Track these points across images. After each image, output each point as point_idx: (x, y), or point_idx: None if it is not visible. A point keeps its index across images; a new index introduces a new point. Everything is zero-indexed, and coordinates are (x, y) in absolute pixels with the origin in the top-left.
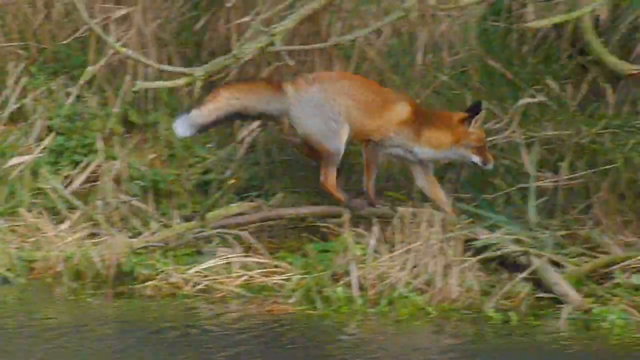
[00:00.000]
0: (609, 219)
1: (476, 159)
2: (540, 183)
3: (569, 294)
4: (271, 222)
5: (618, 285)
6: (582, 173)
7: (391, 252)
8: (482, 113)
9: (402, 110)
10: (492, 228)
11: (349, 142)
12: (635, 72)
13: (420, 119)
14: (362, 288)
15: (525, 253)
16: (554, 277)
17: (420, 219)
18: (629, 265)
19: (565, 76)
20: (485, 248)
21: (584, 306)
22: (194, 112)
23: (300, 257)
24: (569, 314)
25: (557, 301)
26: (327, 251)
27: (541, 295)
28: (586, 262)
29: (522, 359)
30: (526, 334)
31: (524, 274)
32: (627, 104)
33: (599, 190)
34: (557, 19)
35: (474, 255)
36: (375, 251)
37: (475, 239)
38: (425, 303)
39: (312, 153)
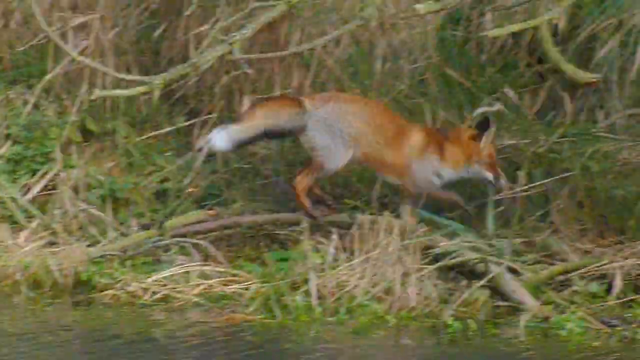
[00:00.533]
0: (566, 226)
1: (489, 175)
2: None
3: (526, 302)
4: (230, 231)
5: (576, 292)
6: (540, 182)
7: (350, 260)
8: (493, 129)
9: (417, 138)
10: (450, 236)
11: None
12: (592, 80)
13: (434, 140)
14: (321, 297)
15: (483, 260)
16: (511, 284)
17: (379, 227)
18: (587, 272)
19: (523, 85)
20: (443, 256)
21: (542, 313)
22: (234, 127)
23: (259, 266)
24: (527, 322)
25: (516, 309)
26: (286, 260)
27: (500, 303)
28: (543, 269)
29: None
30: (485, 342)
31: (482, 282)
32: (584, 112)
33: (557, 199)
34: (515, 27)
35: (432, 263)
36: (334, 260)
37: (434, 247)
38: (384, 311)
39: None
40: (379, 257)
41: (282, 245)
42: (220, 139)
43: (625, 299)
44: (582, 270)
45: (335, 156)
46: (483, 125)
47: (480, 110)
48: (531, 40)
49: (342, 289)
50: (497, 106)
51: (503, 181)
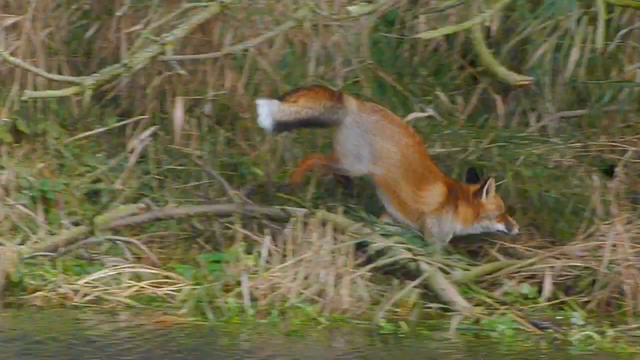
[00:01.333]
0: None
1: (500, 226)
2: None
3: (457, 301)
4: (163, 232)
5: (508, 294)
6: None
7: (283, 262)
8: (491, 181)
9: (438, 192)
10: (383, 236)
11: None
12: (524, 83)
13: (454, 195)
14: (253, 298)
15: (415, 260)
16: (442, 283)
17: (313, 227)
18: (517, 272)
19: (456, 87)
20: (376, 256)
21: (472, 314)
22: (277, 104)
23: (191, 268)
24: (459, 324)
25: (448, 310)
26: (218, 261)
27: (432, 305)
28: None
29: None
30: (416, 344)
31: (415, 282)
32: (516, 115)
33: None
34: (448, 29)
35: (365, 264)
36: (267, 262)
37: (367, 246)
38: (317, 313)
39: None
40: (312, 258)
41: (215, 247)
42: (267, 110)
43: (555, 301)
44: (513, 270)
45: (355, 161)
46: (472, 177)
47: (412, 116)
48: (464, 43)
49: (275, 291)
50: (430, 111)
51: (516, 229)
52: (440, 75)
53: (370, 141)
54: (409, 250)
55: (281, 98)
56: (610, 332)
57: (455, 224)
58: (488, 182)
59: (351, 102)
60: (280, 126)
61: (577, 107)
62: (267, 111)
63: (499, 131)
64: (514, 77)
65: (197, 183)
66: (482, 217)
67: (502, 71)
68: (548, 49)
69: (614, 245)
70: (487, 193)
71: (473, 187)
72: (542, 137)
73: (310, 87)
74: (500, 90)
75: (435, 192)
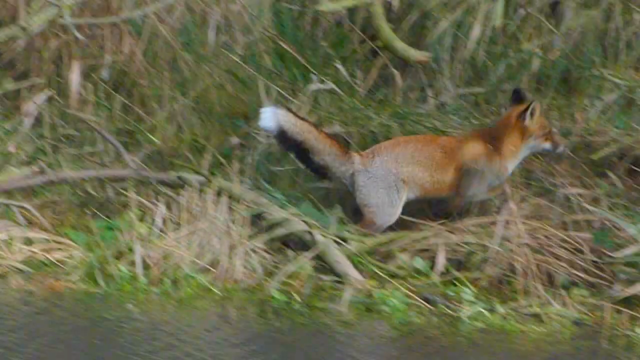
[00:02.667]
0: None
1: (547, 145)
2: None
3: (350, 273)
4: (56, 197)
5: (401, 268)
6: None
7: (177, 230)
8: (536, 105)
9: (473, 148)
10: (279, 207)
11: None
12: (423, 58)
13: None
14: (146, 267)
15: (310, 232)
16: (336, 255)
17: (208, 196)
18: (411, 246)
19: (356, 61)
20: (272, 227)
21: (366, 288)
22: (283, 112)
23: (84, 234)
24: (351, 296)
25: (341, 283)
26: (111, 229)
27: (326, 277)
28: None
29: (303, 341)
30: (309, 316)
31: (309, 254)
32: (415, 91)
33: None
34: (348, 2)
35: (261, 234)
36: (161, 230)
37: (263, 218)
38: (210, 283)
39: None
40: (207, 228)
41: (109, 214)
42: (271, 114)
43: (448, 277)
44: (407, 243)
45: (389, 209)
46: (517, 98)
47: (312, 87)
48: (366, 17)
49: (168, 260)
50: (329, 85)
51: (561, 147)
52: (341, 48)
53: (391, 180)
54: (305, 222)
55: (290, 110)
56: (500, 309)
57: (504, 165)
58: (532, 106)
59: (356, 158)
60: (284, 135)
61: (476, 85)
62: (271, 115)
63: (397, 107)
64: (412, 53)
65: (92, 149)
66: (527, 138)
67: (401, 46)
68: (448, 26)
69: (507, 223)
70: (531, 115)
71: (517, 110)
72: (440, 114)
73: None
74: (399, 65)
75: (469, 155)
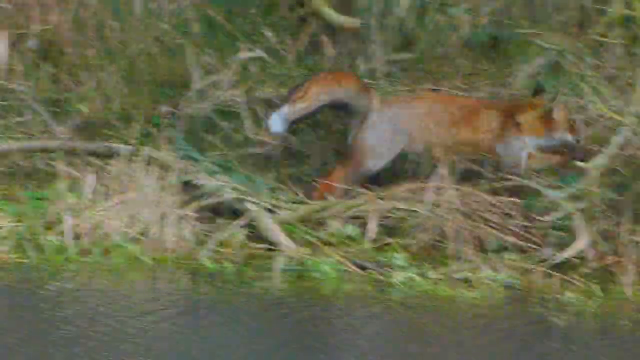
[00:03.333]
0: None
1: (570, 137)
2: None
3: (282, 242)
4: None
5: (333, 235)
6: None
7: (107, 200)
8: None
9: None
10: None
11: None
12: (352, 25)
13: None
14: (76, 237)
15: (241, 200)
16: (267, 222)
17: (138, 165)
18: (344, 213)
19: (285, 28)
20: (202, 196)
21: (298, 255)
22: (287, 109)
23: (13, 204)
24: (283, 264)
25: (273, 250)
26: (41, 199)
27: (258, 245)
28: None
29: (235, 310)
30: (241, 284)
31: (240, 222)
32: (345, 57)
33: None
34: None
35: (192, 203)
36: (91, 200)
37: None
38: (141, 253)
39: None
40: (137, 197)
41: (38, 184)
42: (276, 122)
43: (380, 243)
44: (339, 210)
45: (380, 156)
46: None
47: (241, 55)
48: None
49: (98, 230)
50: (258, 52)
51: (582, 139)
52: (269, 15)
53: (398, 129)
54: (236, 190)
55: (287, 99)
56: (431, 274)
57: (523, 140)
58: (558, 101)
59: (376, 98)
60: (297, 122)
61: (406, 51)
62: (278, 122)
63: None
64: (342, 20)
65: (20, 119)
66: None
67: (330, 13)
68: None
69: (438, 188)
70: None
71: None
72: (370, 80)
73: (329, 73)
74: (328, 32)
75: (487, 120)
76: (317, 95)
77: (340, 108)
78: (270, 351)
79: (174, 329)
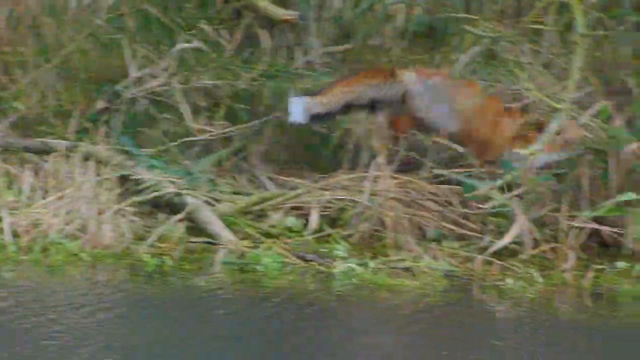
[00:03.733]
0: (267, 164)
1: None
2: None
3: (223, 235)
4: None
5: (273, 226)
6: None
7: (45, 197)
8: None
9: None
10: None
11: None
12: (289, 17)
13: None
14: (15, 235)
15: (179, 194)
16: (207, 216)
17: (74, 161)
18: (284, 204)
19: (221, 21)
20: (141, 191)
21: (238, 248)
22: (310, 100)
23: None
24: (224, 257)
25: (214, 244)
26: None
27: (198, 239)
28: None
29: (172, 304)
30: (181, 279)
31: (179, 216)
32: (282, 49)
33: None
34: None
35: (129, 198)
36: (29, 197)
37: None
38: (79, 249)
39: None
40: (74, 193)
41: None
42: (297, 107)
43: (321, 234)
44: (280, 202)
45: (453, 118)
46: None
47: (178, 46)
48: None
49: (37, 227)
50: (196, 43)
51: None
52: (205, 9)
53: (447, 99)
54: (174, 183)
55: (316, 93)
56: (372, 264)
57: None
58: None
59: (408, 75)
60: (320, 118)
61: (343, 43)
62: (299, 108)
63: (272, 65)
64: (278, 12)
65: None
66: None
67: (266, 6)
68: None
69: (377, 177)
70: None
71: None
72: (308, 71)
73: (352, 74)
74: (265, 24)
75: (508, 125)
76: (342, 93)
77: (367, 105)
78: (207, 344)
79: (110, 322)
